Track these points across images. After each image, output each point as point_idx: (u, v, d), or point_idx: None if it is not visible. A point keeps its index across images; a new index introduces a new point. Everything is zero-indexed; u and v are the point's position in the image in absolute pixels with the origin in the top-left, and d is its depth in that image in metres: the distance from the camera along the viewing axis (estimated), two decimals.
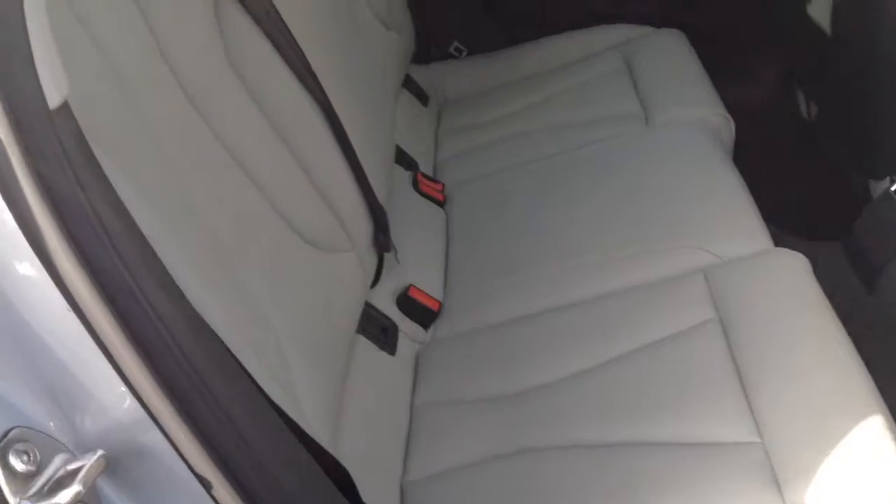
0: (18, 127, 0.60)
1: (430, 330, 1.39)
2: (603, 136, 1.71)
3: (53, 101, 0.63)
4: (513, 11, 2.20)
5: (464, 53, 2.18)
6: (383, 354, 1.28)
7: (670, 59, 1.91)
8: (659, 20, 2.03)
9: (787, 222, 1.78)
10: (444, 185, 1.72)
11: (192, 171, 0.92)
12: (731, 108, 1.76)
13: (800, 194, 1.98)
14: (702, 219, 1.42)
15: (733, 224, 1.40)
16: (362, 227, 1.27)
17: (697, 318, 1.21)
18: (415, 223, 1.56)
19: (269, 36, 1.13)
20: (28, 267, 0.62)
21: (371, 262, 1.31)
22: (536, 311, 1.35)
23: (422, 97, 2.01)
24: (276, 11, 1.15)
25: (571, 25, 2.08)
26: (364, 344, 1.26)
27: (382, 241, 1.32)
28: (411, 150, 1.76)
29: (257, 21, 1.11)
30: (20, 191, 0.60)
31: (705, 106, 1.74)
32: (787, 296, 1.21)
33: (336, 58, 1.32)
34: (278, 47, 1.13)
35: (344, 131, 1.21)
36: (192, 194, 0.89)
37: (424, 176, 1.72)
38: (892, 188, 1.61)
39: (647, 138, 1.68)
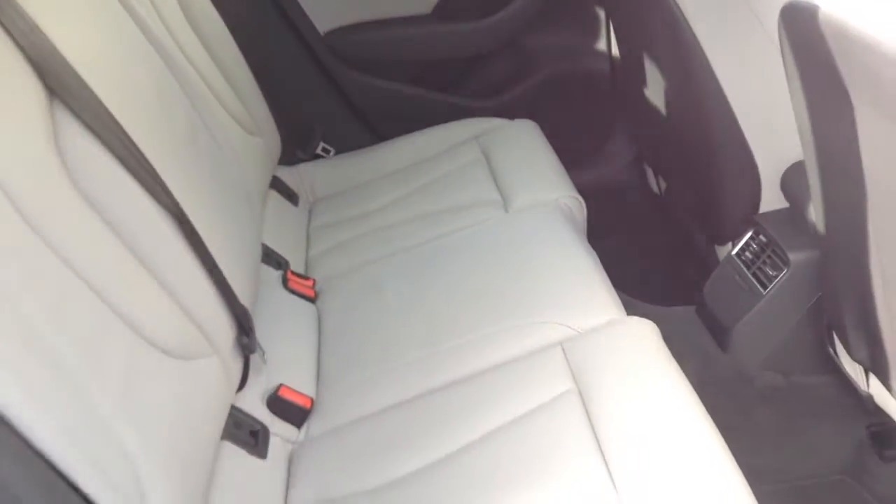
0: None
1: (304, 429, 1.38)
2: (466, 223, 1.79)
3: None
4: (375, 111, 2.30)
5: (331, 153, 2.25)
6: (253, 459, 1.24)
7: (524, 147, 2.02)
8: (513, 113, 2.16)
9: (643, 292, 1.88)
10: (315, 281, 1.74)
11: (29, 293, 0.87)
12: (586, 189, 1.88)
13: (654, 264, 2.10)
14: (558, 295, 1.49)
15: (587, 298, 1.48)
16: (224, 331, 1.25)
17: (557, 390, 1.28)
18: (284, 322, 1.57)
19: (108, 146, 1.09)
20: None
21: (236, 365, 1.30)
22: (406, 398, 1.37)
23: (291, 197, 2.05)
24: (115, 122, 1.12)
25: (432, 121, 2.19)
26: (231, 450, 1.22)
27: (247, 343, 1.32)
28: (281, 249, 1.79)
29: (94, 131, 1.07)
30: None
31: (558, 189, 1.85)
32: (638, 360, 1.31)
33: (188, 166, 1.33)
34: (120, 158, 1.10)
35: (199, 237, 1.22)
36: (30, 317, 0.85)
37: (295, 273, 1.74)
38: (734, 251, 1.75)
39: (507, 223, 1.77)
